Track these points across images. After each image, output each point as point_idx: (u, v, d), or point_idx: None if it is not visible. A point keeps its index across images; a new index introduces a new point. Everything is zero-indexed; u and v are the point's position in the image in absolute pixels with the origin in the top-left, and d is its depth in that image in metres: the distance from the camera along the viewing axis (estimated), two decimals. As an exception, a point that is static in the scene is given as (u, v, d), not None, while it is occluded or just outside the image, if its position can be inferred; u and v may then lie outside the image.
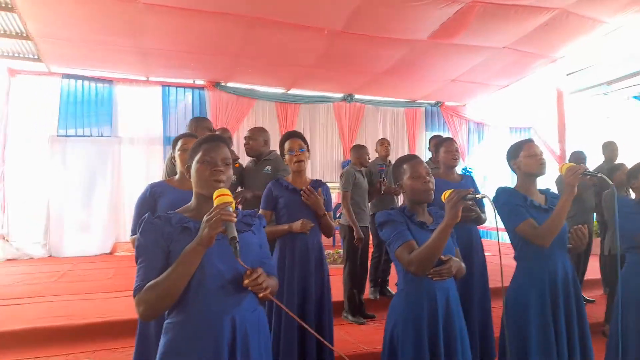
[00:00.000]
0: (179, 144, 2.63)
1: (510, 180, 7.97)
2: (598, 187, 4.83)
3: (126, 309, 4.08)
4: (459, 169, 3.81)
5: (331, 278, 3.02)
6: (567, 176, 2.24)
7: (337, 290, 4.22)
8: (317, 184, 2.97)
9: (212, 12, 5.74)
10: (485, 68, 7.92)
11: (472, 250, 3.18)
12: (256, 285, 1.47)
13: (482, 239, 3.39)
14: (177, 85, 8.63)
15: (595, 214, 5.42)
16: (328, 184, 3.21)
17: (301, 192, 2.83)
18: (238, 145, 7.01)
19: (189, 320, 1.48)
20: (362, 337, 3.98)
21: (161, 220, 1.53)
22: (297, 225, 2.78)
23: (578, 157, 5.34)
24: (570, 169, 2.25)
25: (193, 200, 1.63)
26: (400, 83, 8.90)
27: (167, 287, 1.41)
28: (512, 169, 2.54)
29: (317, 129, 9.72)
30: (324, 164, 9.73)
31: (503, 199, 2.40)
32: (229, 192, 1.49)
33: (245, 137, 3.96)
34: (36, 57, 7.31)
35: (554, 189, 4.23)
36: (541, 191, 2.52)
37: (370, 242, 4.75)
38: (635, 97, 8.76)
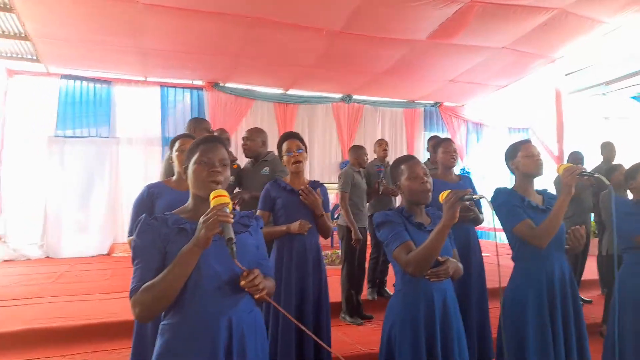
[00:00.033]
0: (177, 144, 2.63)
1: (508, 180, 7.98)
2: (596, 188, 4.83)
3: (123, 310, 4.07)
4: (457, 170, 3.82)
5: (329, 279, 3.01)
6: (564, 176, 2.24)
7: (335, 291, 4.22)
8: (315, 185, 2.96)
9: (210, 12, 5.74)
10: (484, 68, 7.92)
11: (469, 250, 3.18)
12: (253, 286, 1.46)
13: (480, 240, 3.39)
14: (175, 86, 8.62)
15: (593, 214, 5.42)
16: (326, 185, 3.20)
17: (300, 192, 2.82)
18: (236, 145, 7.00)
19: (185, 321, 1.47)
20: (359, 337, 3.98)
21: (158, 221, 1.52)
22: (295, 226, 2.77)
23: (576, 158, 5.35)
24: (567, 169, 2.25)
25: (190, 201, 1.63)
26: (399, 83, 8.90)
27: (164, 289, 1.41)
28: (510, 170, 2.54)
29: (316, 130, 9.71)
30: (323, 165, 9.72)
31: (501, 199, 2.40)
32: (226, 193, 1.48)
33: (243, 138, 3.96)
34: (34, 57, 7.30)
35: (552, 190, 4.24)
36: (539, 192, 2.52)
37: (369, 242, 4.74)
38: (633, 98, 8.77)
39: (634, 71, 7.42)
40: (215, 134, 4.32)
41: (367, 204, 4.81)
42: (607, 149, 5.53)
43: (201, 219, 1.40)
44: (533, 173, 2.44)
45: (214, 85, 8.68)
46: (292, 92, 9.31)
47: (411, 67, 7.91)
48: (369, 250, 4.86)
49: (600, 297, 5.22)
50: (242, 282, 1.46)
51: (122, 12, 5.65)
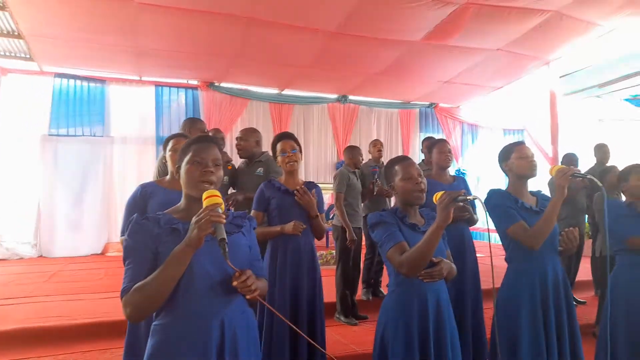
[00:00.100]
0: (170, 144, 2.61)
1: (503, 181, 8.00)
2: (590, 190, 4.86)
3: (117, 309, 4.02)
4: (452, 170, 3.82)
5: (324, 279, 3.01)
6: (557, 178, 2.25)
7: (330, 292, 4.22)
8: (310, 186, 2.96)
9: (206, 12, 5.72)
10: (479, 70, 7.95)
11: (464, 251, 3.19)
12: (245, 287, 1.46)
13: (474, 240, 3.39)
14: (170, 85, 8.60)
15: (587, 216, 5.44)
16: (322, 185, 3.20)
17: (295, 192, 2.82)
18: (231, 145, 6.99)
19: (177, 322, 1.47)
20: (354, 338, 3.98)
21: (150, 221, 1.51)
22: (289, 227, 2.77)
23: (570, 159, 5.37)
24: (560, 170, 2.26)
25: (182, 201, 1.62)
26: (395, 84, 8.92)
27: (155, 289, 1.40)
28: (504, 171, 2.55)
29: (311, 130, 9.71)
30: (318, 165, 9.73)
31: (494, 200, 2.41)
32: (218, 193, 1.47)
33: (236, 138, 3.95)
34: (28, 56, 7.26)
35: (547, 191, 4.25)
36: (532, 193, 2.53)
37: (363, 243, 4.75)
38: (627, 100, 8.82)
39: (628, 73, 7.46)
40: (210, 134, 4.31)
41: (362, 204, 4.82)
42: (601, 151, 5.56)
43: (193, 219, 1.39)
44: (527, 174, 2.44)
45: (209, 85, 8.67)
46: (287, 92, 9.31)
47: (406, 68, 7.93)
48: (363, 251, 4.86)
49: (594, 298, 5.25)
50: (235, 283, 1.45)
51: (116, 11, 5.63)
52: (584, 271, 5.40)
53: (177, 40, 6.63)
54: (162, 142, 2.83)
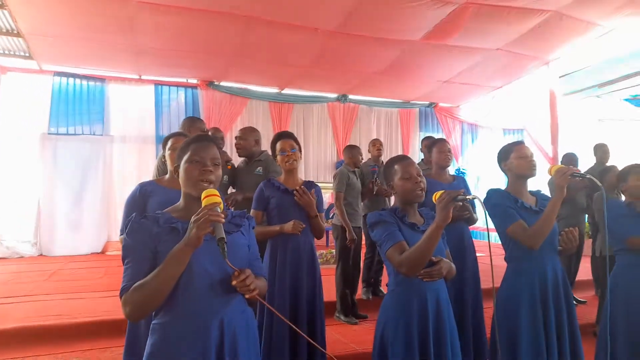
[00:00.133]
0: (169, 143, 2.61)
1: (503, 181, 7.99)
2: (590, 189, 4.86)
3: (117, 308, 4.01)
4: (452, 170, 3.83)
5: (324, 278, 3.01)
6: (556, 177, 2.25)
7: (330, 291, 4.22)
8: (310, 185, 2.96)
9: (205, 10, 5.72)
10: (479, 69, 7.95)
11: (464, 250, 3.19)
12: (244, 286, 1.46)
13: (473, 240, 3.39)
14: (170, 84, 8.60)
15: (587, 215, 5.45)
16: (322, 184, 3.20)
17: (294, 192, 2.82)
18: (231, 145, 6.99)
19: (176, 321, 1.47)
20: (354, 337, 3.98)
21: (149, 220, 1.51)
22: (288, 226, 2.77)
23: (570, 159, 5.37)
24: (559, 170, 2.26)
25: (181, 201, 1.62)
26: (394, 84, 8.91)
27: (154, 288, 1.40)
28: (503, 171, 2.54)
29: (311, 129, 9.71)
30: (318, 164, 9.73)
31: (494, 200, 2.41)
32: (217, 192, 1.47)
33: (235, 137, 3.95)
34: (27, 54, 7.25)
35: (547, 191, 4.25)
36: (532, 193, 2.53)
37: (363, 242, 4.75)
38: (627, 100, 8.82)
39: (628, 73, 7.46)
40: (209, 133, 4.31)
41: (362, 203, 4.82)
42: (601, 151, 5.56)
43: (192, 219, 1.39)
44: (526, 174, 2.44)
45: (209, 84, 8.66)
46: (287, 91, 9.30)
47: (406, 68, 7.92)
48: (363, 250, 4.87)
49: (594, 297, 5.25)
50: (234, 282, 1.45)
51: (116, 10, 5.63)
52: (585, 271, 5.40)
53: (177, 39, 6.63)
54: (162, 140, 2.83)
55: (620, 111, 9.58)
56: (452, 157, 3.47)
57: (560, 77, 7.90)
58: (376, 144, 5.26)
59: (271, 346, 2.71)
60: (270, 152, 3.12)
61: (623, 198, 3.11)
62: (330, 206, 7.39)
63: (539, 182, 3.62)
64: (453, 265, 2.11)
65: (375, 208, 4.43)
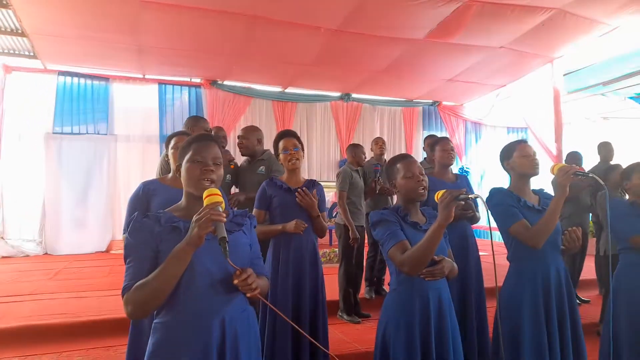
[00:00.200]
0: (173, 142, 2.61)
1: (507, 180, 7.96)
2: (594, 188, 4.84)
3: (120, 307, 3.98)
4: (455, 169, 3.82)
5: (327, 277, 3.01)
6: (558, 176, 2.24)
7: (333, 290, 4.22)
8: (312, 184, 2.96)
9: (209, 9, 5.73)
10: (482, 68, 7.92)
11: (467, 250, 3.19)
12: (245, 285, 1.46)
13: (476, 239, 3.39)
14: (173, 83, 8.61)
15: (591, 214, 5.43)
16: (325, 183, 3.20)
17: (296, 194, 2.82)
18: (234, 144, 7.00)
19: (178, 320, 1.47)
20: (357, 336, 3.98)
21: (150, 219, 1.52)
22: (290, 225, 2.77)
23: (574, 158, 5.35)
24: (561, 169, 2.25)
25: (183, 200, 1.62)
26: (398, 82, 8.89)
27: (156, 287, 1.40)
28: (506, 170, 2.53)
29: (314, 128, 9.71)
30: (321, 163, 9.73)
31: (496, 199, 2.40)
32: (219, 191, 1.48)
33: (238, 137, 3.96)
34: (32, 54, 7.29)
35: (550, 190, 4.24)
36: (535, 192, 2.51)
37: (366, 241, 4.74)
38: (631, 98, 8.76)
39: (632, 71, 7.41)
40: (212, 132, 4.32)
41: (365, 202, 4.81)
42: (605, 149, 5.53)
43: (194, 218, 1.40)
44: (529, 173, 2.43)
45: (212, 83, 8.67)
46: (290, 90, 9.30)
47: (409, 66, 7.91)
48: (366, 249, 4.86)
49: (598, 297, 5.23)
50: (235, 281, 1.46)
51: (119, 9, 5.65)
52: (589, 270, 5.38)
53: (180, 38, 6.64)
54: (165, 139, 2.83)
55: (625, 109, 9.52)
56: (454, 156, 3.46)
57: (564, 75, 7.86)
58: (379, 143, 5.25)
59: (274, 345, 2.71)
60: (273, 151, 3.12)
61: (627, 196, 3.09)
62: (334, 205, 7.39)
63: (543, 181, 3.61)
64: (455, 265, 2.10)
65: (378, 207, 4.43)
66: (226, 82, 8.79)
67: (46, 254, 7.61)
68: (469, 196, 1.87)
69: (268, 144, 3.95)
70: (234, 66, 7.87)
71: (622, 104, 9.16)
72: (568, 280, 2.40)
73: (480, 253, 3.32)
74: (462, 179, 3.52)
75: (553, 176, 2.32)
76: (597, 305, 4.77)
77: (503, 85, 9.08)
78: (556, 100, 7.72)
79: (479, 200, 1.94)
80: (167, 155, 2.74)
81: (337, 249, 4.98)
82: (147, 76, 8.41)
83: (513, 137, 10.76)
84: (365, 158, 4.90)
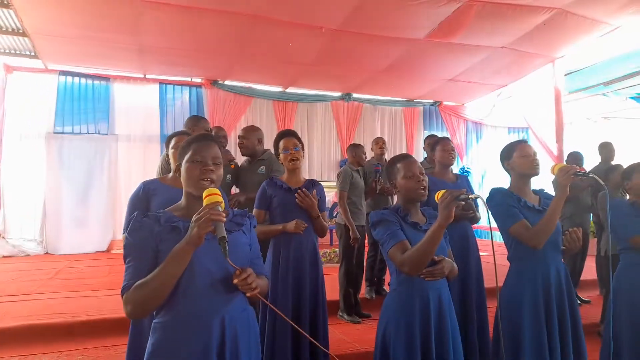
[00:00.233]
0: (173, 142, 2.61)
1: (508, 180, 7.96)
2: (595, 188, 4.83)
3: (121, 307, 4.03)
4: (456, 169, 3.82)
5: (327, 277, 3.01)
6: (559, 176, 2.24)
7: (333, 290, 4.22)
8: (312, 184, 2.96)
9: (210, 9, 5.72)
10: (483, 68, 7.91)
11: (468, 250, 3.18)
12: (245, 285, 1.46)
13: (476, 239, 3.39)
14: (174, 83, 8.61)
15: (592, 214, 5.42)
16: (326, 183, 3.19)
17: (296, 195, 2.82)
18: (235, 144, 7.01)
19: (177, 320, 1.47)
20: (357, 336, 3.98)
21: (150, 219, 1.52)
22: (291, 225, 2.77)
23: (575, 158, 5.35)
24: (561, 169, 2.24)
25: (183, 199, 1.62)
26: (398, 82, 8.89)
27: (156, 287, 1.40)
28: (506, 170, 2.53)
29: (315, 128, 9.70)
30: (322, 163, 9.72)
31: (496, 199, 2.40)
32: (218, 191, 1.48)
33: (238, 137, 3.96)
34: (33, 53, 7.29)
35: (551, 190, 4.23)
36: (535, 192, 2.51)
37: (367, 241, 4.74)
38: (632, 98, 8.76)
39: (634, 71, 7.40)
40: (212, 131, 4.32)
41: (365, 202, 4.81)
42: (606, 149, 5.53)
43: (193, 218, 1.40)
44: (529, 173, 2.42)
45: (213, 82, 8.67)
46: (291, 90, 9.29)
47: (410, 66, 7.90)
48: (367, 249, 4.86)
49: (599, 297, 5.22)
50: (235, 281, 1.46)
51: (120, 9, 5.65)
52: (589, 270, 5.37)
53: (181, 38, 6.64)
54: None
55: (626, 109, 9.51)
56: (455, 156, 3.46)
57: (565, 75, 7.85)
58: (379, 143, 5.25)
59: (274, 345, 2.71)
60: (273, 151, 3.12)
61: (628, 197, 3.09)
62: (334, 205, 7.39)
63: (543, 181, 3.60)
64: (455, 265, 2.10)
65: (378, 207, 4.43)
66: (227, 82, 8.79)
67: (47, 253, 7.62)
68: (470, 196, 1.86)
69: (268, 144, 3.96)
70: (234, 66, 7.87)
71: (623, 104, 9.15)
72: (568, 280, 2.40)
73: (480, 253, 3.32)
74: (463, 179, 3.52)
75: (553, 176, 2.32)
76: (597, 305, 4.76)
77: (504, 85, 9.07)
78: (557, 100, 7.71)
79: (479, 201, 1.94)
80: (167, 155, 2.74)
81: (337, 249, 4.98)
82: (147, 76, 8.41)
83: (514, 137, 10.75)
84: (365, 158, 4.90)
